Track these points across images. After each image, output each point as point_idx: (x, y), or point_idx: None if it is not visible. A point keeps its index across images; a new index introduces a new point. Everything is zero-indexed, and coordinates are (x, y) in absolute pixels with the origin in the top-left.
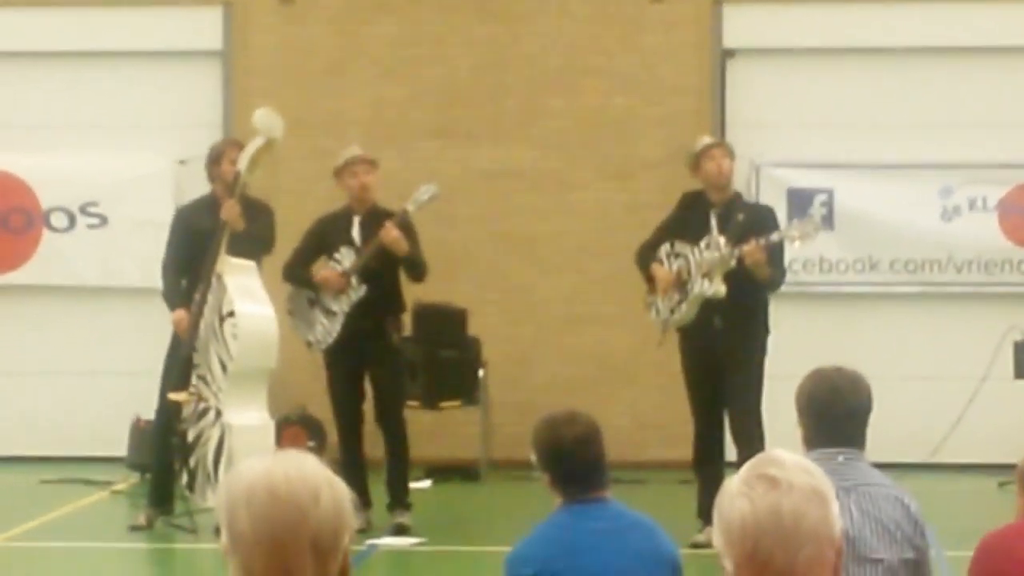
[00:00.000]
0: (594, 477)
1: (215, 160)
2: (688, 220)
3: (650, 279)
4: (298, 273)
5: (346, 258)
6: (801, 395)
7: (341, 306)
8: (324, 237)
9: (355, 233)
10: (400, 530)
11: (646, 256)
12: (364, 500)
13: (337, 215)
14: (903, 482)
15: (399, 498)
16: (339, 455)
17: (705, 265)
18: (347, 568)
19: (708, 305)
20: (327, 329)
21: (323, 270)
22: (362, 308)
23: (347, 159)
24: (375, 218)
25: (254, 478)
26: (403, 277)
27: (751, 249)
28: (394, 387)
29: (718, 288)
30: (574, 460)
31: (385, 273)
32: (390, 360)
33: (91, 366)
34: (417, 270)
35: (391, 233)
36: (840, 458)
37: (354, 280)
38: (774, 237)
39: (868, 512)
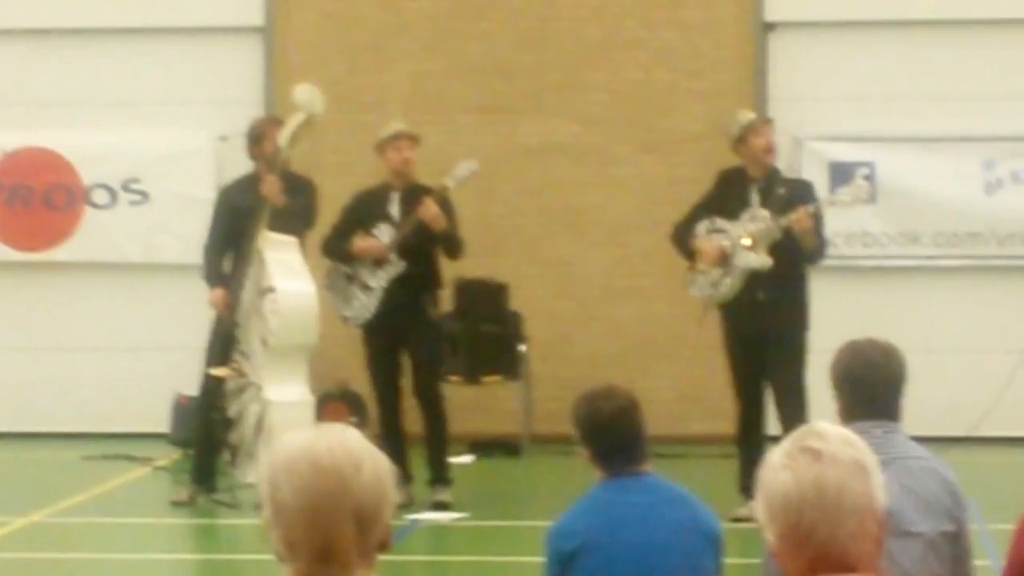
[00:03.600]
0: (633, 451)
1: (256, 140)
2: (727, 197)
3: (691, 255)
4: (336, 247)
5: (384, 234)
6: (836, 369)
7: (379, 281)
8: (362, 212)
9: (394, 209)
10: (440, 507)
11: (683, 234)
12: (405, 475)
13: (375, 190)
14: (944, 456)
15: (439, 474)
16: (379, 430)
17: (750, 238)
18: (388, 540)
19: (752, 279)
20: (364, 304)
21: (361, 240)
22: (399, 284)
23: (391, 134)
24: (414, 194)
25: (297, 450)
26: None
27: (800, 216)
28: (431, 362)
29: (764, 260)
30: (613, 434)
31: (423, 249)
32: (427, 335)
33: (133, 342)
34: (453, 247)
35: (431, 209)
36: (878, 431)
37: (393, 255)
38: (823, 203)
39: (907, 485)
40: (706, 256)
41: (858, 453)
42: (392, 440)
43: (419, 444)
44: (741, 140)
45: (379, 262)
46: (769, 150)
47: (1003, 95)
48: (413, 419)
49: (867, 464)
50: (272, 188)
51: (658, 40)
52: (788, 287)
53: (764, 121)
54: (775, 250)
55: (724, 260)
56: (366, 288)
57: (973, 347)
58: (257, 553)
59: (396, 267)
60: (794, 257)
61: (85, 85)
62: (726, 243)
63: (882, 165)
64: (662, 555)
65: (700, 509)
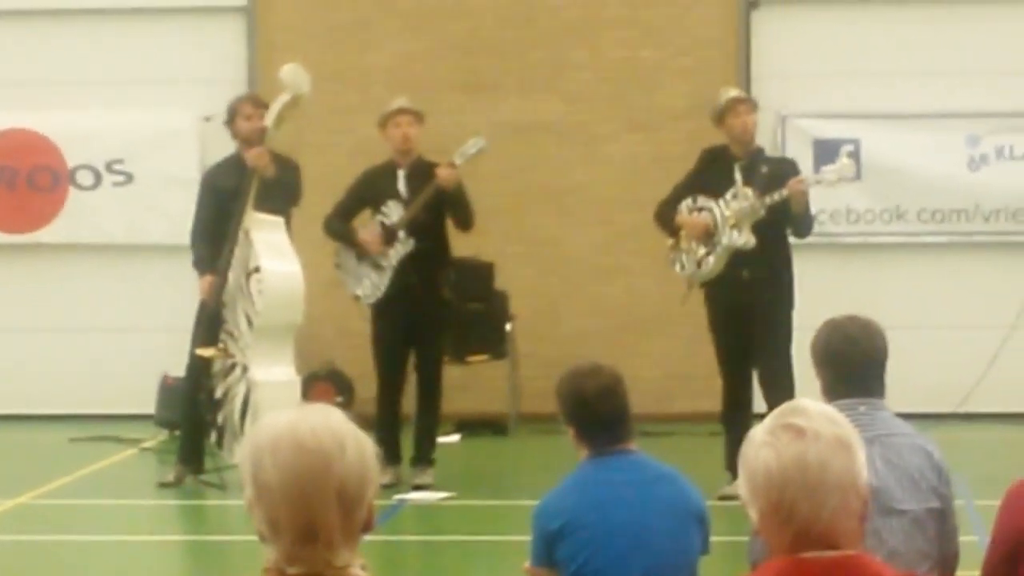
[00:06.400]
0: (618, 429)
1: (231, 117)
2: (710, 175)
3: (674, 233)
4: (338, 226)
5: (393, 212)
6: (816, 347)
7: (389, 260)
8: (369, 190)
9: (401, 186)
10: (422, 488)
11: (666, 213)
12: (395, 455)
13: (382, 169)
14: (932, 432)
15: (425, 455)
16: (376, 408)
17: (733, 216)
18: (372, 520)
19: (736, 257)
20: (375, 283)
21: (365, 231)
22: (411, 262)
23: (391, 110)
24: (420, 170)
25: (280, 430)
26: (450, 230)
27: (795, 183)
28: (440, 341)
29: (748, 238)
30: (597, 412)
31: (433, 226)
32: (439, 314)
33: (118, 323)
34: (466, 217)
35: (444, 171)
36: (861, 408)
37: (402, 234)
38: (812, 179)
39: (892, 462)
40: (690, 230)
41: (841, 430)
42: (388, 419)
43: (406, 423)
44: (720, 119)
45: (389, 240)
46: (745, 131)
47: (987, 71)
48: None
49: (850, 441)
50: (261, 158)
51: (642, 18)
52: (773, 265)
53: (741, 100)
54: (759, 228)
55: (708, 237)
56: (377, 267)
57: (959, 323)
58: (244, 534)
59: (406, 245)
60: (779, 235)
61: (68, 66)
62: (709, 221)
63: (867, 142)
64: (648, 533)
65: (686, 487)
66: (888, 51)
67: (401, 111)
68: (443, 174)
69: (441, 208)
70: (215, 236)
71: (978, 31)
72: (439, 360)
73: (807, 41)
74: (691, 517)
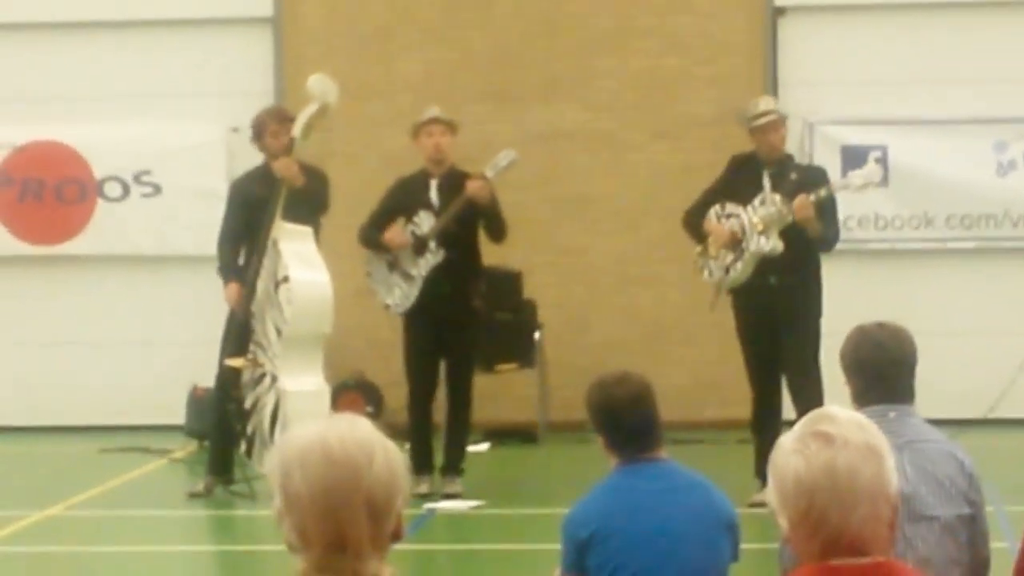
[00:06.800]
0: (648, 437)
1: (259, 135)
2: (739, 182)
3: (702, 239)
4: (371, 235)
5: (424, 222)
6: (845, 354)
7: (419, 270)
8: (402, 199)
9: (433, 196)
10: (451, 497)
11: (694, 218)
12: (430, 464)
13: (414, 178)
14: (961, 439)
15: (454, 463)
16: (409, 418)
17: (761, 222)
18: (400, 530)
19: (764, 263)
20: (405, 293)
21: (389, 230)
22: (442, 272)
23: (424, 119)
24: (453, 181)
25: (308, 441)
26: (481, 240)
27: (801, 203)
28: (471, 351)
29: (775, 244)
30: (627, 421)
31: (464, 236)
32: (470, 324)
33: (147, 335)
34: (499, 228)
35: (475, 183)
36: (891, 415)
37: (432, 244)
38: (823, 192)
39: (922, 469)
40: (717, 238)
41: (870, 437)
42: (422, 429)
43: (436, 432)
44: (751, 132)
45: (420, 250)
46: (773, 150)
47: (1015, 77)
48: (435, 408)
49: (879, 448)
50: (290, 169)
51: (668, 26)
52: (801, 272)
53: (770, 121)
54: (787, 235)
55: (735, 243)
56: (407, 276)
57: (987, 329)
58: (274, 544)
59: (436, 256)
60: (807, 242)
61: (95, 78)
62: (737, 227)
63: (894, 148)
64: (678, 541)
65: (716, 495)
66: (915, 57)
67: (434, 121)
68: (474, 187)
69: (472, 219)
70: (241, 244)
71: (1006, 37)
72: (470, 370)
73: (834, 48)
74: (721, 525)
